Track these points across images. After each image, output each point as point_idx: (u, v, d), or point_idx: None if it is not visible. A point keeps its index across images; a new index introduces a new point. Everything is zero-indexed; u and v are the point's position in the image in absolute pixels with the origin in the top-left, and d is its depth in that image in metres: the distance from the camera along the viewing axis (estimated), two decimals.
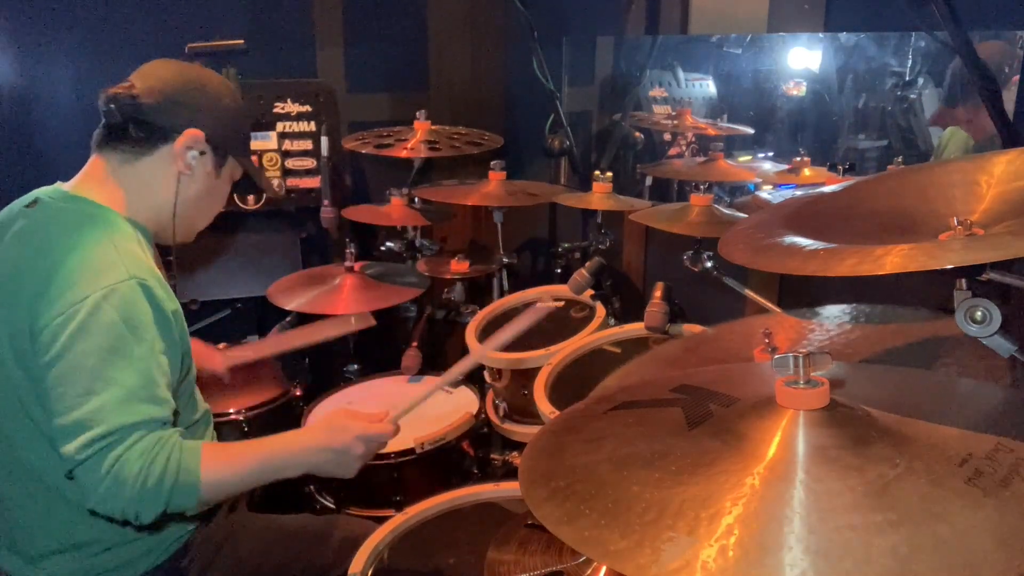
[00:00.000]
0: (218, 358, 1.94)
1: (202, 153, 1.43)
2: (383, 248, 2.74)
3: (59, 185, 1.42)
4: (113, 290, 1.24)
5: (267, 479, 1.36)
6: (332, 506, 1.97)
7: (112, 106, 1.37)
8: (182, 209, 1.45)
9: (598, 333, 1.94)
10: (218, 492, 1.30)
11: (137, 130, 1.38)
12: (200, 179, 1.45)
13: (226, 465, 1.31)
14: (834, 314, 1.46)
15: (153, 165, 1.41)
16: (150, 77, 1.40)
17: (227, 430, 2.04)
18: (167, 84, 1.40)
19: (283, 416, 2.14)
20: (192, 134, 1.40)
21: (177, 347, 1.35)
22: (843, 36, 2.29)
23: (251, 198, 2.81)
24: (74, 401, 1.19)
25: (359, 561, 1.41)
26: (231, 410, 2.10)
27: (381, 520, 1.59)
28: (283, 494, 1.90)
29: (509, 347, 1.95)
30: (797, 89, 2.45)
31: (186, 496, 1.24)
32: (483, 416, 2.05)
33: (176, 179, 1.42)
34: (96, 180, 1.40)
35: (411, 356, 2.22)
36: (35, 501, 1.35)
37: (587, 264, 1.95)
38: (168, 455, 1.22)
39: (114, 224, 1.35)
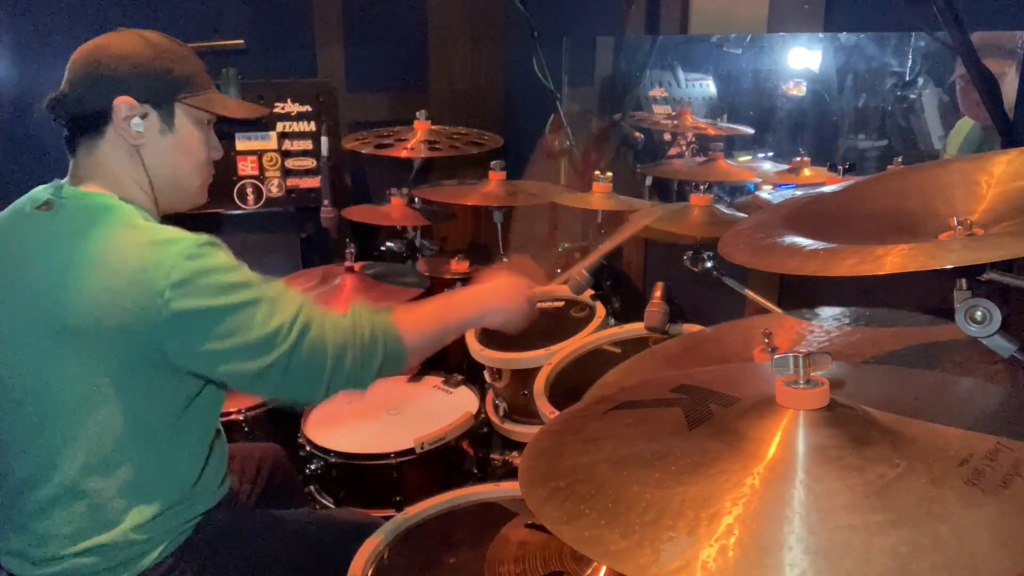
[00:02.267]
0: None
1: (144, 116, 1.39)
2: (383, 248, 2.74)
3: (63, 184, 1.41)
4: (196, 242, 1.27)
5: (450, 338, 1.51)
6: (332, 506, 1.97)
7: (52, 113, 1.37)
8: (160, 178, 1.42)
9: (598, 333, 1.94)
10: (417, 353, 1.45)
11: (79, 123, 1.38)
12: (156, 141, 1.40)
13: (417, 328, 1.43)
14: (834, 315, 1.46)
15: (109, 147, 1.38)
16: (69, 69, 1.39)
17: (226, 429, 2.04)
18: (79, 68, 1.38)
19: (283, 416, 2.13)
20: (122, 102, 1.36)
21: None
22: (843, 36, 2.29)
23: (251, 198, 2.81)
24: (244, 336, 1.25)
25: (359, 561, 1.41)
26: (231, 410, 2.09)
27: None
28: (283, 492, 1.90)
29: (508, 346, 1.96)
30: (797, 89, 2.44)
31: (396, 353, 1.38)
32: (483, 416, 2.05)
33: (135, 151, 1.39)
34: (83, 178, 1.39)
35: None
36: (53, 508, 1.34)
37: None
38: (358, 316, 1.36)
39: (133, 212, 1.35)
